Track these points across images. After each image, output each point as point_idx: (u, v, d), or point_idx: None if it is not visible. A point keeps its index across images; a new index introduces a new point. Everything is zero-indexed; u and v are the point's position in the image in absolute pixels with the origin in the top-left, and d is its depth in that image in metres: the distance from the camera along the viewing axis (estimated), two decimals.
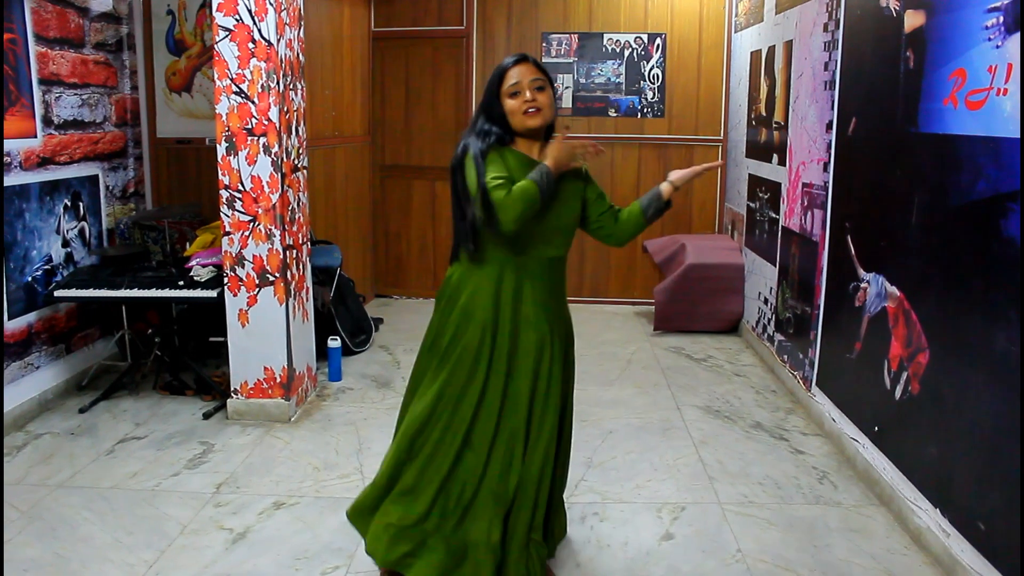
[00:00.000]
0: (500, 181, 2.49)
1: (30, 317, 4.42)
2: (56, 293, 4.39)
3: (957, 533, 2.90)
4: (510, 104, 2.61)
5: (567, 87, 6.83)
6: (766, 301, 5.45)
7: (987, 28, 2.79)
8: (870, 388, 3.69)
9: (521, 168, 2.60)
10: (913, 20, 3.33)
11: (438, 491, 2.69)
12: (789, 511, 3.43)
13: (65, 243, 4.71)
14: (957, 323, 2.96)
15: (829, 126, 4.26)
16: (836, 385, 4.15)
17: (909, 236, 3.33)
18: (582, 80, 6.81)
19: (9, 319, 4.25)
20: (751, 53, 5.94)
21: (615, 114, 6.82)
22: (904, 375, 3.35)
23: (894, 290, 3.47)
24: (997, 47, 2.73)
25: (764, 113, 5.55)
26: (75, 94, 4.76)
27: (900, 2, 3.45)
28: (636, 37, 6.72)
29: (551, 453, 2.73)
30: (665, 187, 2.88)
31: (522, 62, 2.63)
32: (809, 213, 4.56)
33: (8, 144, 4.20)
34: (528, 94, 2.59)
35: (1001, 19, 2.70)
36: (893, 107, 3.49)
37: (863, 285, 3.79)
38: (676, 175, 2.89)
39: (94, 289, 4.41)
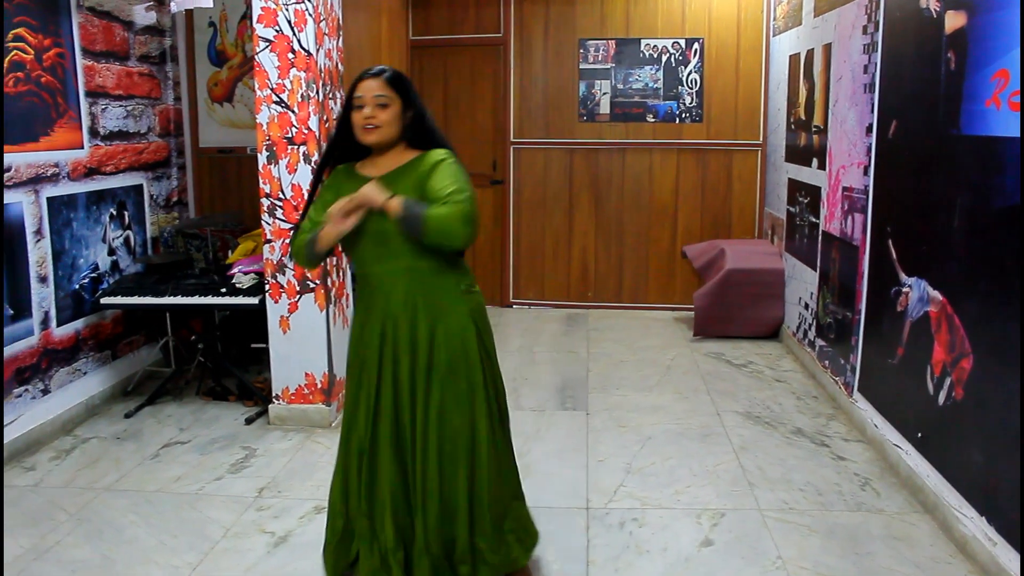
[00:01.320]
0: (301, 227, 2.69)
1: (78, 324, 4.52)
2: (102, 300, 4.48)
3: (1004, 542, 2.85)
4: (354, 117, 2.62)
5: (604, 93, 6.83)
6: (807, 306, 5.40)
7: None
8: (913, 394, 3.64)
9: (353, 182, 2.62)
10: (954, 21, 3.29)
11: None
12: (830, 518, 3.40)
13: (111, 251, 4.81)
14: (1001, 328, 2.91)
15: (869, 129, 4.22)
16: (878, 391, 4.11)
17: (951, 239, 3.29)
18: (619, 86, 6.81)
19: (57, 326, 4.35)
20: (790, 56, 5.89)
21: (653, 119, 6.81)
22: (947, 380, 3.31)
23: (936, 294, 3.42)
24: None
25: (803, 117, 5.51)
26: (120, 105, 4.87)
27: (940, 3, 3.41)
28: (674, 42, 6.70)
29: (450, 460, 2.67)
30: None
31: (373, 76, 2.60)
32: (849, 217, 4.51)
33: (56, 155, 4.30)
34: (368, 110, 2.57)
35: None
36: (934, 109, 3.45)
37: (905, 290, 3.75)
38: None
39: (139, 296, 4.49)
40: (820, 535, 3.26)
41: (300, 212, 2.56)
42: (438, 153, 2.66)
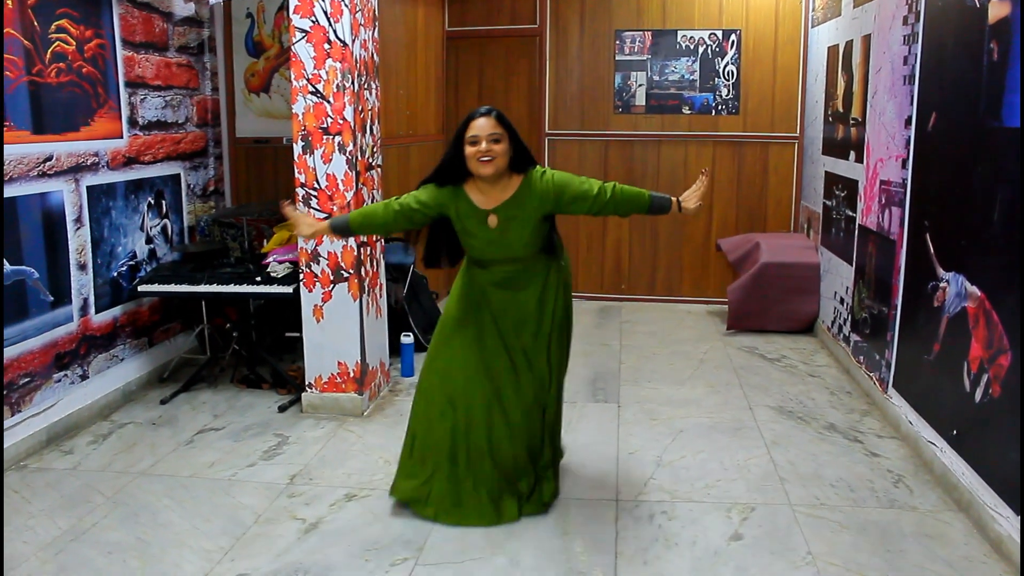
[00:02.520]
0: (395, 201, 3.24)
1: (115, 311, 4.59)
2: (140, 288, 4.55)
3: None
4: (468, 150, 3.04)
5: (640, 85, 6.80)
6: (842, 301, 5.34)
7: None
8: (949, 390, 3.59)
9: (470, 212, 3.16)
10: (997, 11, 3.23)
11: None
12: (862, 514, 3.36)
13: (148, 240, 4.87)
14: None
15: (908, 122, 4.16)
16: (913, 387, 4.05)
17: (991, 234, 3.23)
18: (656, 78, 6.77)
19: (96, 313, 4.42)
20: (828, 48, 5.82)
21: (689, 112, 6.76)
22: (984, 377, 3.26)
23: (975, 290, 3.37)
24: None
25: (841, 109, 5.44)
26: (159, 96, 4.93)
27: None
28: (711, 34, 6.65)
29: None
30: (675, 202, 3.25)
31: (484, 115, 3.06)
32: (887, 211, 4.45)
33: (96, 144, 4.37)
34: (484, 145, 3.00)
35: None
36: (975, 101, 3.39)
37: (942, 285, 3.69)
38: (686, 199, 3.26)
39: (175, 284, 4.55)
40: (851, 531, 3.23)
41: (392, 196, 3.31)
42: (540, 171, 3.18)
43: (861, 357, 4.88)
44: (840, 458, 3.90)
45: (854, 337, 5.05)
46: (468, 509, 3.29)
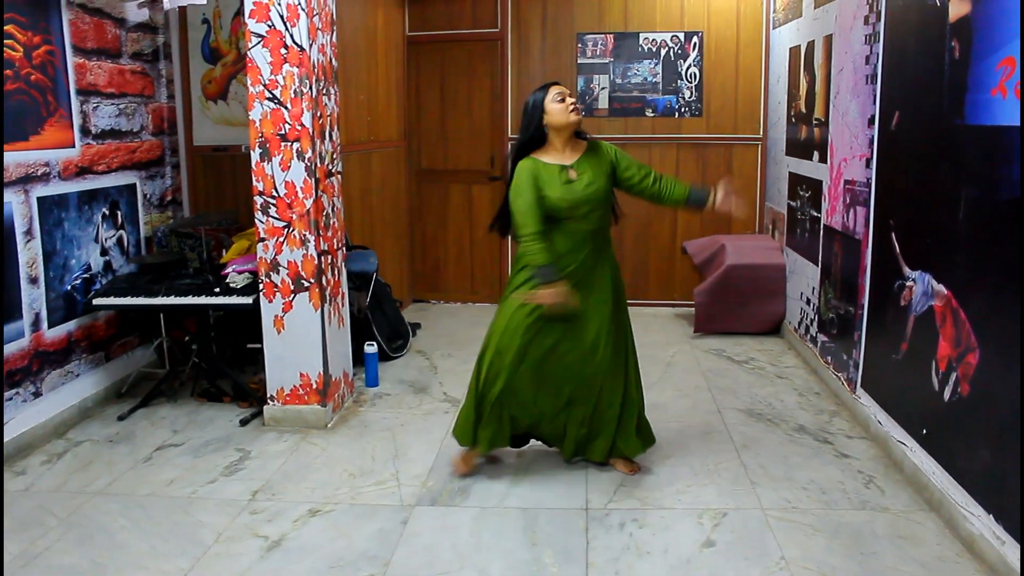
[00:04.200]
0: (531, 234, 3.43)
1: (70, 325, 4.45)
2: (95, 301, 4.42)
3: (1013, 541, 2.79)
4: (557, 107, 3.49)
5: (603, 88, 6.77)
6: (808, 301, 5.33)
7: None
8: (917, 389, 3.57)
9: (553, 180, 3.47)
10: (958, 9, 3.23)
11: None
12: (834, 517, 3.33)
13: (104, 251, 4.74)
14: (1009, 322, 2.84)
15: (871, 121, 4.15)
16: (882, 387, 4.04)
17: (957, 232, 3.22)
18: (618, 80, 6.74)
19: (49, 327, 4.29)
20: (790, 49, 5.83)
21: (652, 114, 6.74)
22: (953, 376, 3.24)
23: (941, 288, 3.36)
24: None
25: (804, 110, 5.44)
26: (112, 104, 4.80)
27: None
28: (672, 36, 6.64)
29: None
30: (711, 200, 3.72)
31: (551, 85, 3.54)
32: (851, 211, 4.45)
33: (46, 154, 4.24)
34: (570, 99, 3.50)
35: None
36: (938, 99, 3.38)
37: (909, 284, 3.68)
38: (721, 200, 3.72)
39: (132, 297, 4.43)
40: (824, 534, 3.19)
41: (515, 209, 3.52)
42: (602, 143, 3.69)
43: (829, 357, 4.88)
44: (811, 460, 3.88)
45: (821, 337, 5.04)
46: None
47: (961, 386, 3.18)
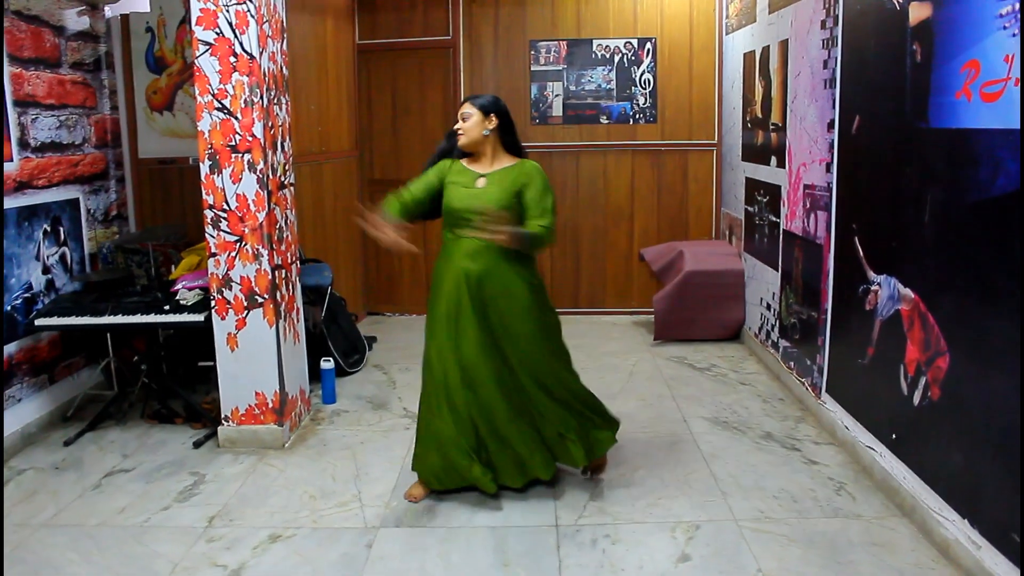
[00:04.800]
0: (400, 191, 3.66)
1: (10, 348, 4.26)
2: (37, 322, 4.22)
3: (989, 545, 2.76)
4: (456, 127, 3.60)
5: (557, 95, 6.71)
6: (768, 307, 5.32)
7: (1001, 16, 2.67)
8: (886, 394, 3.55)
9: (462, 181, 3.55)
10: (918, 12, 3.21)
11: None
12: (808, 526, 3.29)
13: (46, 270, 4.55)
14: (979, 324, 2.82)
15: (831, 125, 4.14)
16: (848, 392, 4.02)
17: (923, 235, 3.20)
18: (572, 87, 6.69)
19: None
20: (744, 54, 5.82)
21: (607, 121, 6.70)
22: (923, 380, 3.22)
23: (908, 292, 3.34)
24: (1014, 35, 2.61)
25: (760, 115, 5.44)
26: (52, 115, 4.62)
27: None
28: (626, 42, 6.61)
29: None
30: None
31: (466, 101, 3.59)
32: (812, 215, 4.43)
33: None
34: (458, 124, 3.55)
35: (1017, 6, 2.58)
36: (900, 103, 3.36)
37: (874, 288, 3.66)
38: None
39: (76, 316, 4.25)
40: (799, 545, 3.15)
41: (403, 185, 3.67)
42: (531, 164, 3.57)
43: (791, 363, 4.86)
44: (780, 468, 3.84)
45: (783, 343, 5.02)
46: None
47: (931, 390, 3.15)
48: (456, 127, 3.57)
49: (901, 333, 3.40)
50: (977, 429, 2.85)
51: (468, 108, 3.55)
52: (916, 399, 3.28)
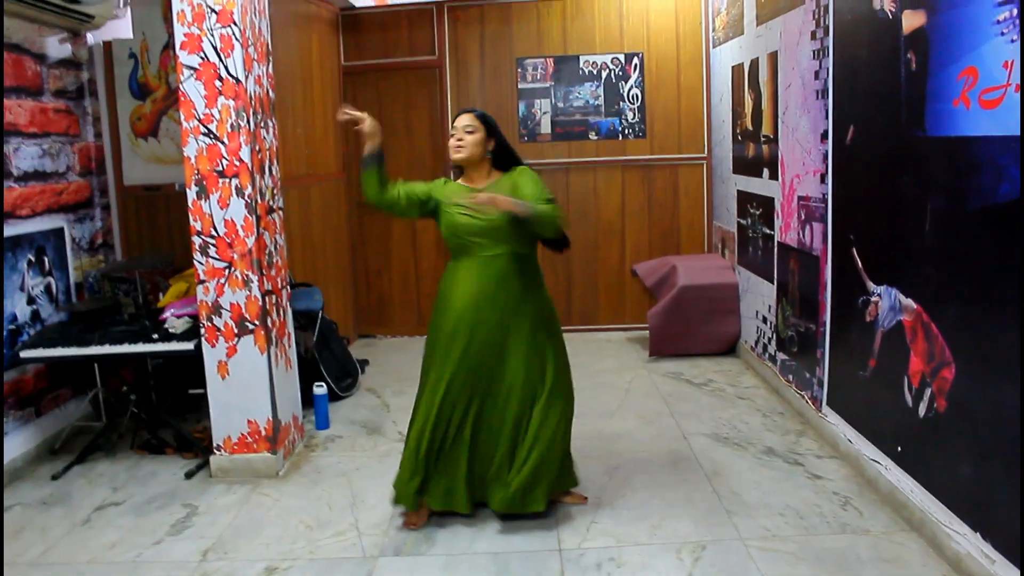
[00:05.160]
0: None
1: None
2: (22, 354, 4.13)
3: (1003, 559, 2.71)
4: (449, 141, 3.47)
5: (545, 112, 6.68)
6: (765, 320, 5.27)
7: (999, 23, 2.64)
8: (889, 406, 3.50)
9: (457, 190, 3.45)
10: (912, 20, 3.19)
11: None
12: (816, 543, 3.22)
13: (30, 300, 4.47)
14: (986, 334, 2.78)
15: (824, 136, 4.11)
16: (850, 404, 3.97)
17: (924, 245, 3.16)
18: (560, 104, 6.66)
19: None
20: (732, 67, 5.80)
21: (596, 137, 6.67)
22: (928, 391, 3.17)
23: (910, 302, 3.29)
24: (1012, 41, 2.58)
25: (751, 127, 5.41)
26: (35, 144, 4.54)
27: (896, 3, 3.30)
28: (613, 57, 6.58)
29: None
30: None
31: (467, 112, 3.48)
32: (807, 227, 4.40)
33: None
34: (459, 134, 3.41)
35: (1015, 12, 2.55)
36: (895, 112, 3.33)
37: (874, 299, 3.62)
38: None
39: (62, 347, 4.16)
40: (808, 563, 3.08)
41: None
42: (519, 168, 3.49)
43: (790, 376, 4.80)
44: (783, 483, 3.78)
45: (781, 356, 4.97)
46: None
47: (937, 401, 3.10)
48: (456, 139, 3.42)
49: (904, 344, 3.35)
50: (987, 440, 2.80)
51: (470, 120, 3.43)
52: (921, 411, 3.23)
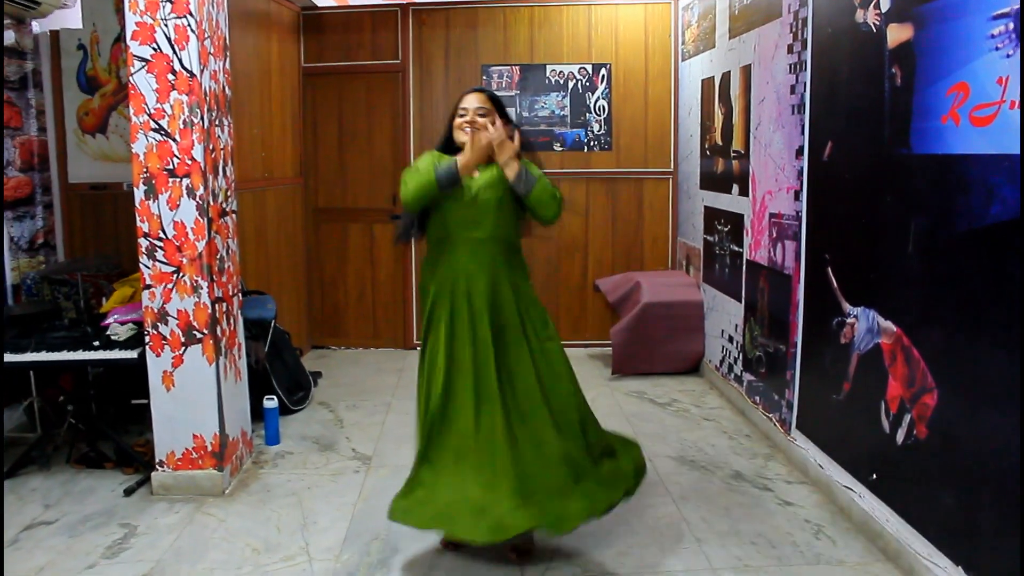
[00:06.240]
0: (412, 169, 3.06)
1: None
2: None
3: None
4: (456, 121, 3.14)
5: None
6: (731, 339, 5.16)
7: (993, 37, 2.55)
8: (864, 432, 3.39)
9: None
10: (898, 34, 3.09)
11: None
12: (790, 573, 3.09)
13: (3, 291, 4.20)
14: (973, 360, 2.67)
15: (799, 152, 4.01)
16: (821, 428, 3.86)
17: (906, 266, 3.05)
18: (525, 113, 6.52)
19: None
20: (702, 81, 5.71)
21: (560, 148, 6.53)
22: (907, 417, 3.06)
23: (889, 325, 3.19)
24: (1008, 56, 2.48)
25: (720, 142, 5.31)
26: None
27: (881, 17, 3.21)
28: (580, 68, 6.46)
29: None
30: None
31: (477, 91, 3.14)
32: (779, 245, 4.29)
33: None
34: (470, 116, 3.08)
35: (1012, 26, 2.46)
36: (878, 128, 3.23)
37: (849, 320, 3.51)
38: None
39: None
40: None
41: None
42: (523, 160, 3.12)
43: (757, 397, 4.69)
44: (753, 510, 3.65)
45: (747, 376, 4.86)
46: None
47: (917, 428, 2.99)
48: (467, 121, 3.06)
49: (882, 368, 3.24)
50: (972, 470, 2.69)
51: (484, 103, 3.09)
52: (900, 437, 3.11)
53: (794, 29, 4.06)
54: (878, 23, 3.23)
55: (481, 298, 3.08)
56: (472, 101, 3.10)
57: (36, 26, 4.86)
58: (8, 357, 3.89)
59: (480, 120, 3.05)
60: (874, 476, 3.33)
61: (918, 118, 2.97)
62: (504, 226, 3.12)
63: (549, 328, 3.30)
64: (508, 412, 3.03)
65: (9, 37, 4.62)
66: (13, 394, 4.59)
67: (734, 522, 3.53)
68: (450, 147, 3.16)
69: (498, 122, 3.05)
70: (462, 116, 3.10)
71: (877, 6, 3.23)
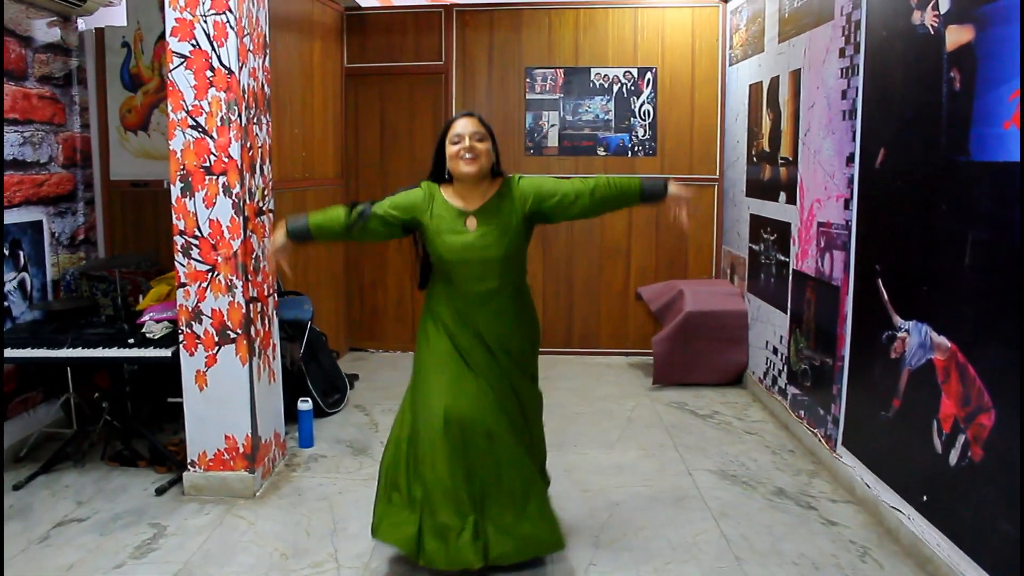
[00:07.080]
0: (372, 207, 3.04)
1: None
2: None
3: None
4: (451, 150, 2.95)
5: (552, 125, 6.44)
6: (775, 351, 5.02)
7: None
8: (915, 451, 3.25)
9: (446, 223, 2.97)
10: (957, 36, 2.95)
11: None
12: None
13: (2, 297, 4.20)
14: None
15: (850, 159, 3.87)
16: (869, 446, 3.71)
17: (962, 279, 2.91)
18: (568, 117, 6.43)
19: None
20: (750, 86, 5.58)
21: (604, 153, 6.43)
22: (961, 438, 2.92)
23: (943, 340, 3.05)
24: None
25: (768, 148, 5.18)
26: (16, 131, 4.30)
27: (939, 18, 3.07)
28: (625, 71, 6.36)
29: None
30: (673, 187, 3.13)
31: (468, 116, 2.98)
32: (827, 255, 4.15)
33: None
34: (467, 142, 2.91)
35: None
36: (935, 135, 3.09)
37: (900, 335, 3.37)
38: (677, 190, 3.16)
39: (33, 348, 3.91)
40: None
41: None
42: (516, 181, 3.04)
43: (802, 412, 4.55)
44: (797, 529, 3.51)
45: (792, 390, 4.71)
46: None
47: (972, 449, 2.85)
48: (466, 148, 2.91)
49: (935, 385, 3.10)
50: None
51: (479, 128, 2.95)
52: (953, 458, 2.97)
53: (846, 32, 3.93)
54: (936, 25, 3.10)
55: (491, 337, 3.06)
56: (466, 126, 2.94)
57: (81, 23, 4.89)
58: (45, 352, 3.89)
59: (479, 146, 2.92)
60: (925, 498, 3.19)
61: (978, 124, 2.83)
62: (512, 272, 3.06)
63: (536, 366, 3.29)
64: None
65: (55, 34, 4.63)
66: (50, 389, 4.59)
67: (776, 541, 3.40)
68: (441, 174, 3.05)
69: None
70: (456, 143, 2.94)
71: (936, 7, 3.10)
